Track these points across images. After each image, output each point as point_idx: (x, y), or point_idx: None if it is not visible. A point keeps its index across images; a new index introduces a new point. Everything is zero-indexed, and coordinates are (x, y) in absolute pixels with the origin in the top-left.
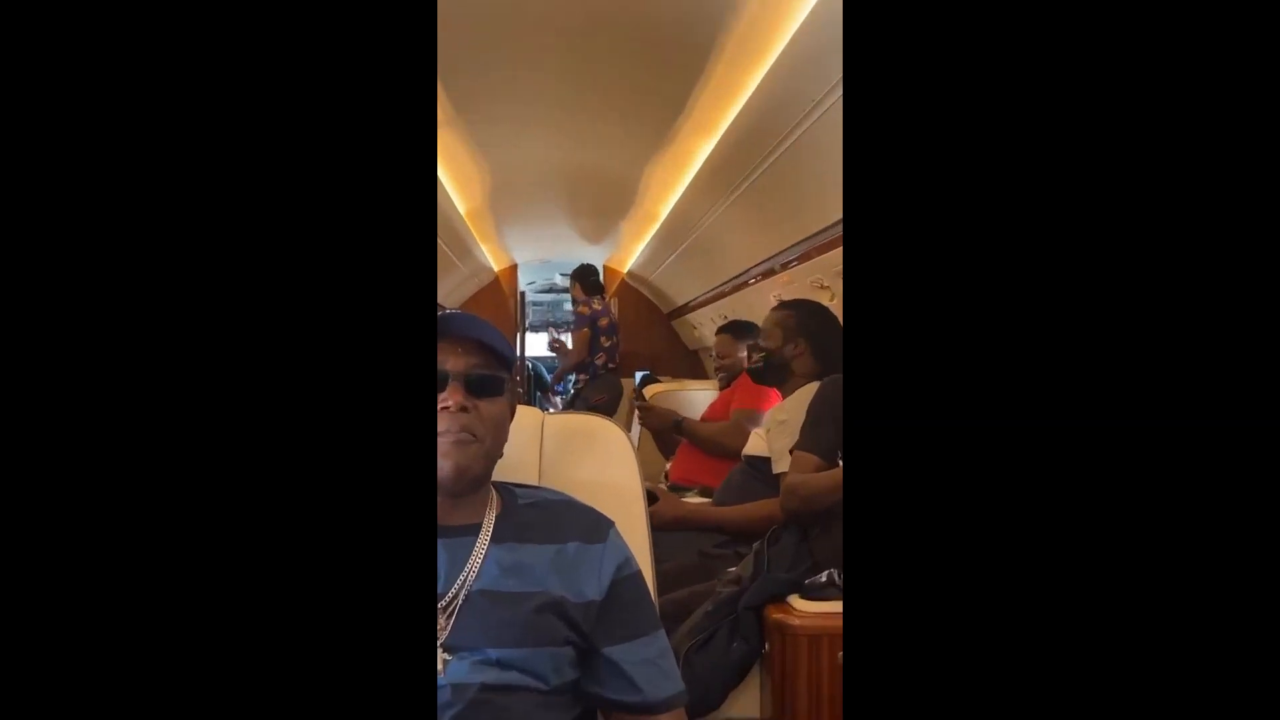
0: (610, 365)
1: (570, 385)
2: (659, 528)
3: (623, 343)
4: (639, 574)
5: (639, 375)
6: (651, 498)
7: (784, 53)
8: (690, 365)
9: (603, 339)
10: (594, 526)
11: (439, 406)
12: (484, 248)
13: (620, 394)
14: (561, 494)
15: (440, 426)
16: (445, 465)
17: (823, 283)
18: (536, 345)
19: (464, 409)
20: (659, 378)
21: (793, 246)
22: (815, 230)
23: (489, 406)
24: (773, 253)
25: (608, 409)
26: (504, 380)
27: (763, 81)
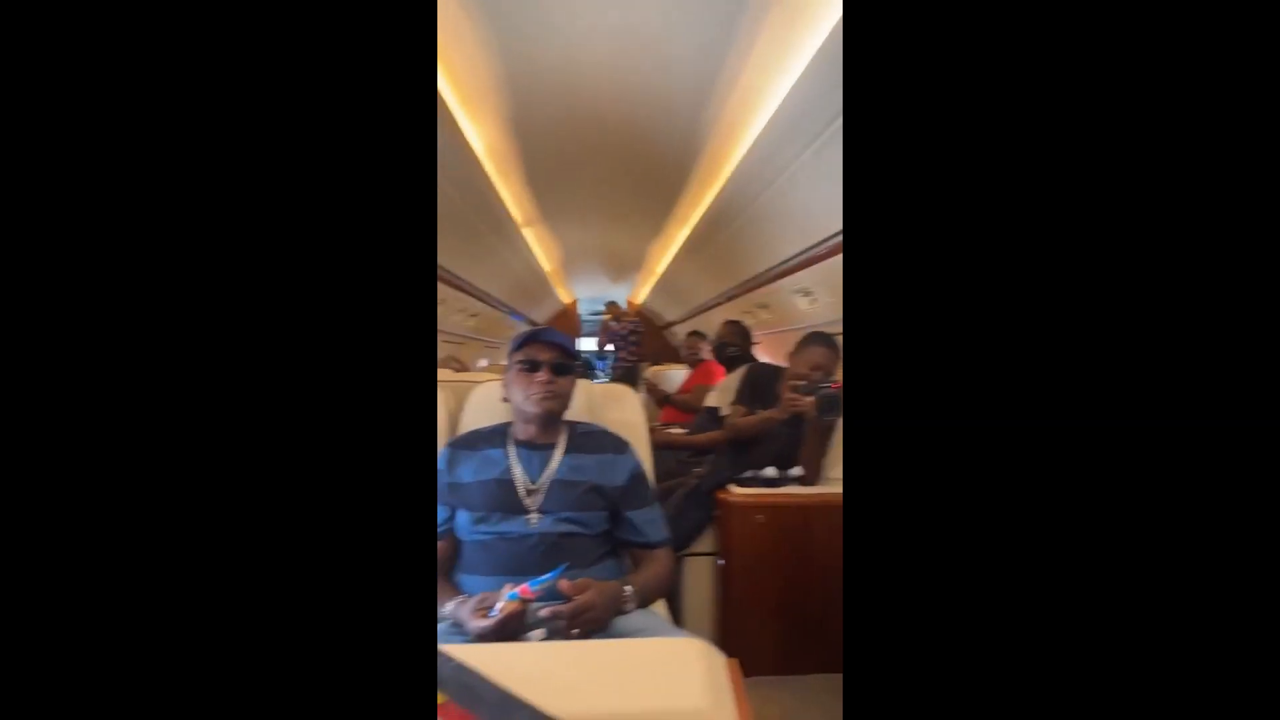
0: (632, 358)
1: (609, 367)
2: (658, 447)
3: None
4: (644, 472)
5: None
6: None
7: (733, 174)
8: (672, 353)
9: (629, 340)
10: (620, 444)
11: (536, 381)
12: (558, 291)
13: (638, 374)
14: (602, 426)
15: (536, 392)
16: (539, 411)
17: (806, 289)
18: (588, 345)
19: (550, 382)
20: (655, 363)
21: (732, 289)
22: (745, 278)
23: (564, 381)
24: (718, 293)
25: (631, 382)
26: (571, 365)
27: (716, 197)
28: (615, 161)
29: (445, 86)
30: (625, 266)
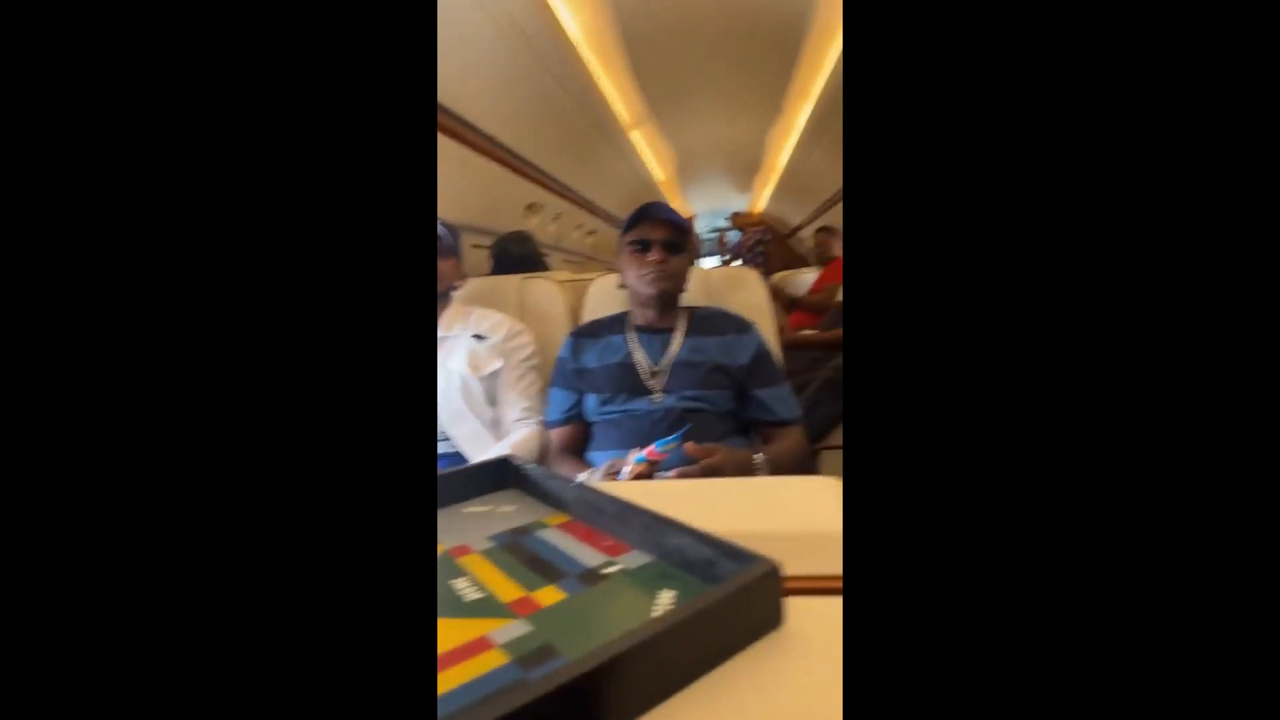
0: (759, 263)
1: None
2: (788, 348)
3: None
4: (770, 351)
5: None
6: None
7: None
8: (801, 262)
9: (755, 250)
10: (743, 325)
11: (649, 261)
12: (676, 203)
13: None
14: (722, 308)
15: (649, 273)
16: (654, 292)
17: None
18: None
19: (663, 261)
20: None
21: None
22: None
23: (677, 260)
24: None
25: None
26: (684, 243)
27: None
28: (721, 32)
29: None
30: (744, 168)
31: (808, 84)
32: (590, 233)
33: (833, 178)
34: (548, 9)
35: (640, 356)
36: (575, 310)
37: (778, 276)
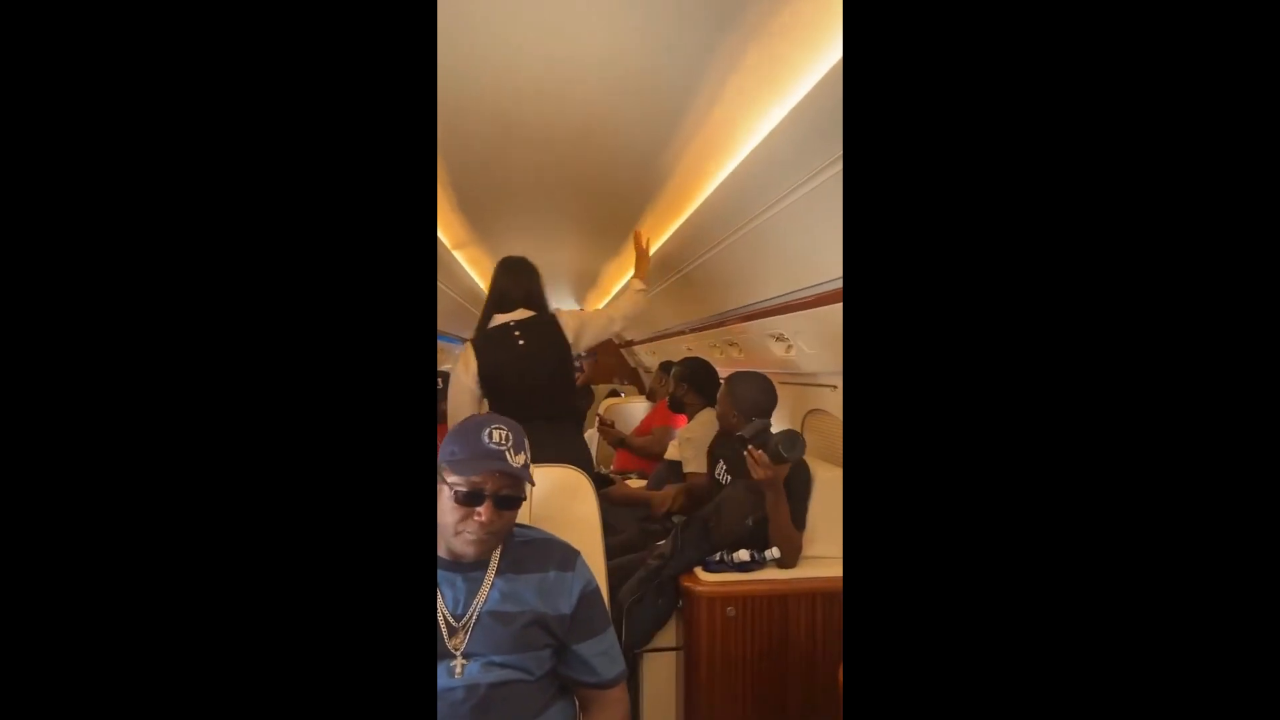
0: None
1: None
2: (612, 504)
3: (595, 362)
4: (597, 590)
5: (608, 391)
6: (606, 481)
7: (707, 199)
8: (630, 374)
9: (582, 363)
10: (567, 557)
11: (474, 519)
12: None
13: (593, 398)
14: (544, 533)
15: (471, 532)
16: (471, 553)
17: (779, 334)
18: None
19: (491, 521)
20: (617, 389)
21: (696, 322)
22: (714, 312)
23: (509, 514)
24: (682, 322)
25: (580, 413)
26: (522, 497)
27: (693, 214)
28: (560, 184)
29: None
30: (576, 283)
31: (652, 235)
32: None
33: (668, 315)
34: None
35: (440, 605)
36: None
37: (606, 405)
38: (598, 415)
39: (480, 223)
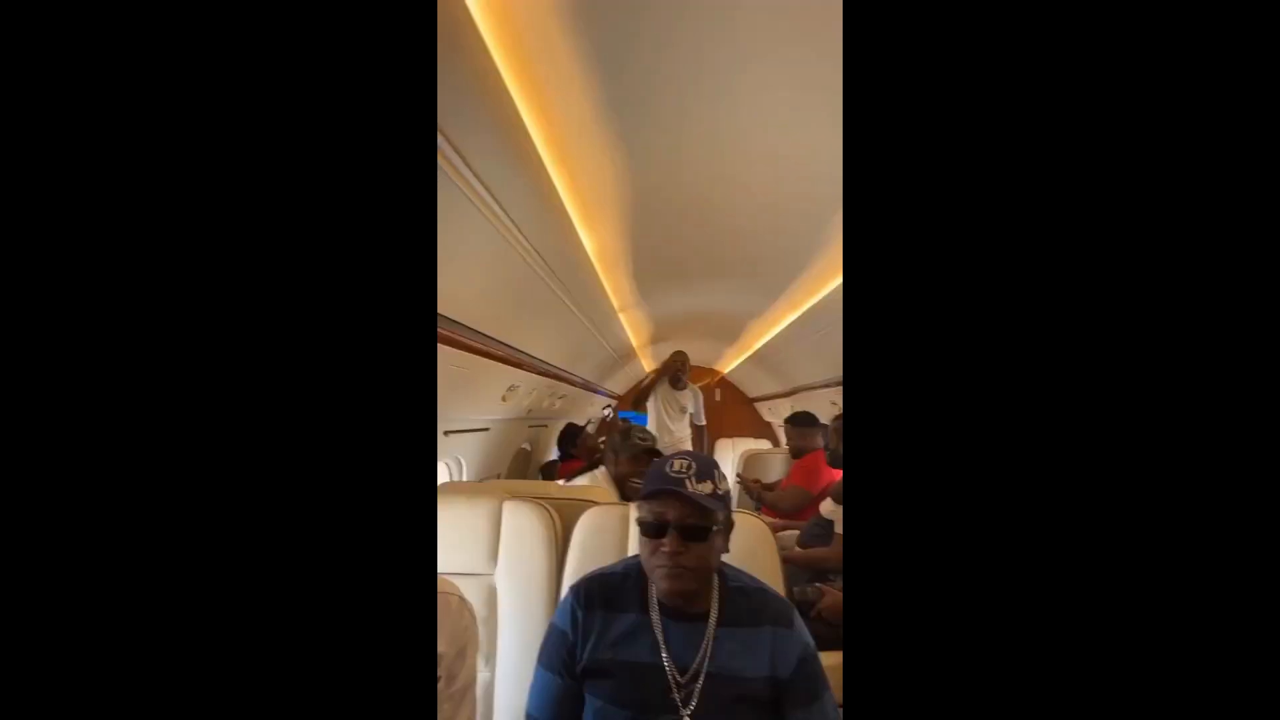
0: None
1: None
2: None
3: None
4: (815, 653)
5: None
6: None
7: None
8: (762, 427)
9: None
10: (783, 613)
11: (661, 550)
12: (643, 361)
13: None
14: (757, 580)
15: (661, 566)
16: (666, 588)
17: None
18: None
19: (678, 552)
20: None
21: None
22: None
23: (699, 548)
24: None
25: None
26: (709, 528)
27: (828, 294)
28: (724, 260)
29: (566, 197)
30: (718, 339)
31: (798, 300)
32: (561, 397)
33: (806, 371)
34: (571, 232)
35: (667, 657)
36: (562, 539)
37: (748, 451)
38: (739, 481)
39: (645, 286)
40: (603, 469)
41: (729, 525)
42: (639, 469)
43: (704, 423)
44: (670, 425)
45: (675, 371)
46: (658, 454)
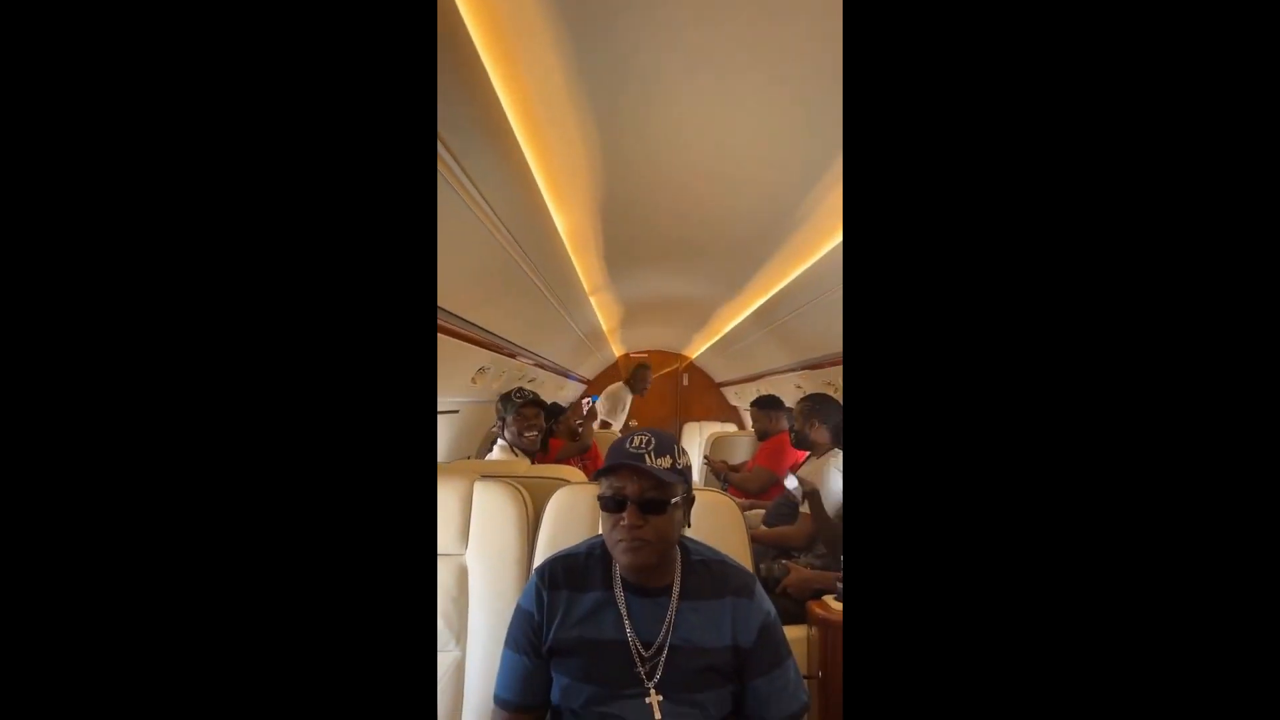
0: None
1: None
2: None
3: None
4: (776, 620)
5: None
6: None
7: (806, 271)
8: (729, 411)
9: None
10: (745, 583)
11: (620, 525)
12: (613, 345)
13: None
14: (717, 552)
15: (621, 540)
16: (627, 562)
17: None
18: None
19: (637, 526)
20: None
21: (802, 361)
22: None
23: (658, 520)
24: (788, 362)
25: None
26: (667, 501)
27: (794, 279)
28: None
29: (539, 175)
30: (686, 324)
31: (768, 284)
32: (531, 380)
33: (771, 356)
34: (544, 212)
35: (631, 632)
36: (533, 519)
37: (715, 434)
38: (706, 461)
39: (616, 268)
40: (501, 441)
41: (689, 499)
42: (527, 423)
43: (620, 425)
44: (613, 420)
45: (639, 380)
46: (541, 405)
